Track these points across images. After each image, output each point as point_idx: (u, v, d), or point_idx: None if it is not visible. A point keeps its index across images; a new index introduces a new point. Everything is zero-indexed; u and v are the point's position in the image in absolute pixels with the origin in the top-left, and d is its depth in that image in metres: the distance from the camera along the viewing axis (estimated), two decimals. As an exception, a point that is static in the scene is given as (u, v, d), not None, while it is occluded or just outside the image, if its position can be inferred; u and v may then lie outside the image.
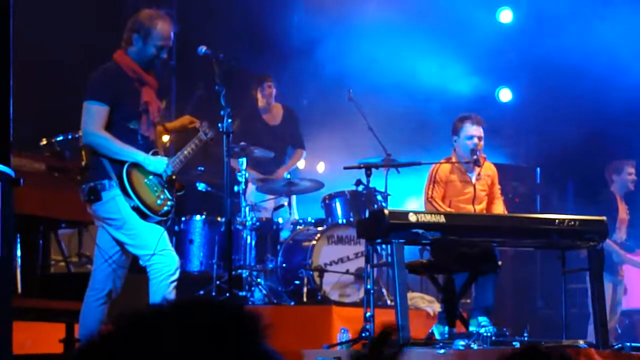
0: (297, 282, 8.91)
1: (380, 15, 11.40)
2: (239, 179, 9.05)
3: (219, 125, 6.53)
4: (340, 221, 9.19)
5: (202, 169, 9.33)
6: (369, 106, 9.78)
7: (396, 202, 9.88)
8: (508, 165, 10.82)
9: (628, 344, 7.00)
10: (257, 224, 9.15)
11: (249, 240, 9.10)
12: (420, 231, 6.68)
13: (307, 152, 10.36)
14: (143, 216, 6.02)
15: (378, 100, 10.73)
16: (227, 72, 6.77)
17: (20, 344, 6.27)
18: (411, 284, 9.10)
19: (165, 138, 6.61)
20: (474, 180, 7.91)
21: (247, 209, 9.10)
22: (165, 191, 6.16)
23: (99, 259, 6.15)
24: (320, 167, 11.70)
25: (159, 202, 6.10)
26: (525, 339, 7.11)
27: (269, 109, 10.10)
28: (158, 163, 6.15)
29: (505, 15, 12.29)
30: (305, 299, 8.79)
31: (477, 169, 7.91)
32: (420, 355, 6.56)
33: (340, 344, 7.49)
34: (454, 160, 7.94)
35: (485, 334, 6.97)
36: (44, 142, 8.14)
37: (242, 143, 9.16)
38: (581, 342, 6.96)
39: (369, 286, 7.18)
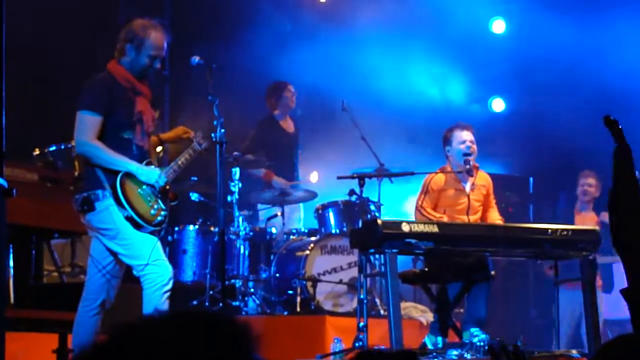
0: (290, 292, 8.90)
1: (374, 25, 11.42)
2: (232, 188, 9.05)
3: (212, 135, 6.54)
4: (333, 231, 9.19)
5: (196, 179, 9.33)
6: (362, 116, 9.80)
7: (389, 212, 9.88)
8: (501, 175, 10.83)
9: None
10: (251, 234, 9.15)
11: (242, 250, 9.10)
12: (413, 241, 6.69)
13: (301, 162, 10.42)
14: (137, 226, 6.01)
15: (371, 110, 10.74)
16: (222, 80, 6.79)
17: (13, 355, 6.25)
18: (404, 293, 9.10)
19: (159, 148, 6.60)
20: (468, 190, 7.91)
21: (240, 218, 9.10)
22: (159, 201, 6.16)
23: (92, 269, 6.15)
24: (314, 177, 11.70)
25: (152, 212, 6.10)
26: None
27: (285, 117, 10.22)
28: (150, 173, 6.15)
29: (498, 26, 12.32)
30: (298, 309, 8.79)
31: (471, 179, 7.92)
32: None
33: (334, 353, 7.49)
34: (448, 170, 7.94)
35: (478, 344, 6.98)
36: (37, 152, 8.13)
37: (236, 153, 9.16)
38: (574, 351, 6.97)
39: (362, 296, 7.18)
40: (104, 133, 6.04)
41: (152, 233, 6.08)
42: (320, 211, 9.41)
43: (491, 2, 12.33)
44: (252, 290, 9.03)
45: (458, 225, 7.36)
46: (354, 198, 8.90)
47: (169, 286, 5.99)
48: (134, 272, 6.05)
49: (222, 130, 6.55)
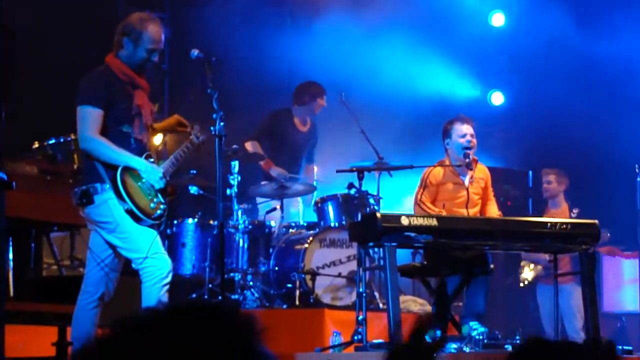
0: (289, 285, 8.91)
1: (373, 18, 11.41)
2: (232, 182, 9.05)
3: (212, 128, 6.53)
4: (332, 224, 9.19)
5: (195, 172, 9.33)
6: (361, 109, 9.79)
7: (388, 206, 9.88)
8: (500, 169, 10.83)
9: (620, 347, 7.02)
10: (250, 227, 9.15)
11: (241, 244, 9.10)
12: (412, 234, 6.69)
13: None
14: (136, 219, 6.01)
15: (370, 103, 10.73)
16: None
17: (12, 347, 6.26)
18: (403, 287, 9.10)
19: (158, 140, 6.60)
20: (467, 183, 7.91)
21: (239, 212, 9.10)
22: (159, 195, 6.16)
23: (91, 262, 6.15)
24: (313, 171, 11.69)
25: (152, 205, 6.10)
26: (518, 341, 7.12)
27: (304, 116, 10.18)
28: (152, 173, 6.13)
29: (497, 19, 12.31)
30: (297, 302, 8.79)
31: (470, 172, 7.91)
32: (413, 358, 6.55)
33: (333, 347, 7.49)
34: (446, 163, 7.94)
35: (477, 337, 6.99)
36: (36, 145, 8.14)
37: (234, 146, 9.16)
38: (573, 344, 6.96)
39: (361, 289, 7.19)
40: (103, 127, 6.03)
41: (151, 227, 6.08)
42: (319, 204, 9.41)
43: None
44: (251, 283, 9.03)
45: (457, 219, 7.36)
46: (353, 191, 8.88)
47: (168, 279, 6.00)
48: (133, 266, 6.05)
49: (222, 124, 6.55)
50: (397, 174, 9.10)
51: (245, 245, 9.12)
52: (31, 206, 7.47)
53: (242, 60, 10.54)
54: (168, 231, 9.08)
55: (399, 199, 10.59)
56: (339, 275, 8.86)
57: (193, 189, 9.38)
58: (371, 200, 8.98)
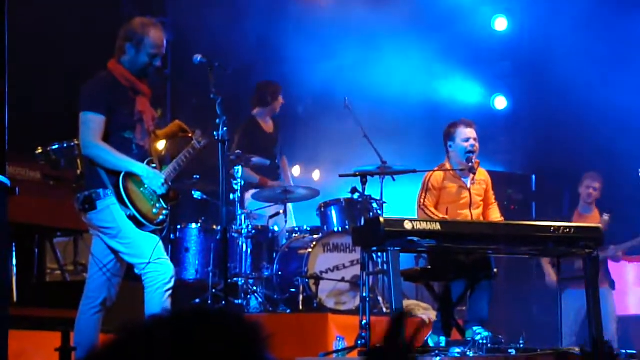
0: (293, 290, 8.91)
1: (376, 23, 11.42)
2: (235, 187, 9.05)
3: (215, 133, 6.53)
4: (336, 229, 9.19)
5: (198, 177, 9.33)
6: (364, 114, 9.79)
7: (392, 210, 9.88)
8: (503, 173, 10.83)
9: (624, 351, 7.00)
10: (253, 232, 9.15)
11: (244, 248, 9.10)
12: (415, 239, 6.68)
13: (303, 160, 10.41)
14: (139, 225, 6.01)
15: (374, 108, 10.74)
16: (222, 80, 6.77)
17: (15, 353, 6.26)
18: (407, 291, 9.10)
19: (161, 146, 6.60)
20: (469, 184, 7.91)
21: (242, 216, 9.10)
22: (161, 200, 6.16)
23: (93, 267, 6.15)
24: (316, 175, 11.71)
25: (154, 210, 6.10)
26: (521, 346, 7.11)
27: (267, 117, 10.13)
28: (155, 179, 6.12)
29: (500, 23, 12.32)
30: (301, 307, 8.79)
31: (472, 174, 7.91)
32: (416, 362, 6.56)
33: (336, 351, 7.49)
34: (448, 167, 7.94)
35: (480, 342, 6.98)
36: (40, 150, 8.14)
37: (238, 151, 9.16)
38: (576, 349, 6.96)
39: (364, 294, 7.18)
40: (105, 133, 6.03)
41: (154, 232, 6.08)
42: (322, 209, 9.41)
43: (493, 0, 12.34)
44: (254, 288, 9.03)
45: (460, 223, 7.35)
46: (356, 196, 8.89)
47: (171, 285, 5.99)
48: (136, 271, 6.05)
49: (225, 129, 6.55)
50: (401, 178, 9.09)
51: (249, 250, 9.12)
52: (34, 211, 7.48)
53: (243, 65, 10.56)
54: (171, 236, 9.09)
55: (403, 203, 10.58)
56: (343, 279, 8.85)
57: (196, 194, 9.38)
58: (374, 205, 8.98)
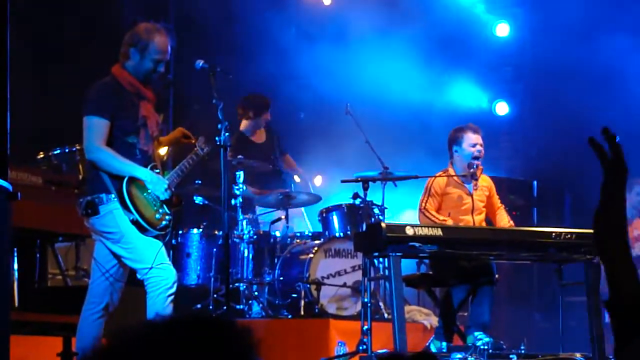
0: (294, 295, 8.91)
1: (377, 28, 11.43)
2: (237, 192, 9.06)
3: (217, 138, 6.54)
4: (337, 234, 9.19)
5: (200, 182, 9.34)
6: (366, 119, 9.79)
7: (393, 216, 9.88)
8: (505, 178, 10.83)
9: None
10: (255, 237, 9.15)
11: (246, 254, 9.10)
12: (417, 244, 6.69)
13: (305, 165, 10.39)
14: (142, 230, 6.01)
15: (376, 113, 10.74)
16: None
17: (17, 358, 6.26)
18: (408, 297, 9.10)
19: (163, 151, 6.61)
20: (471, 190, 7.91)
21: (244, 222, 9.10)
22: (164, 205, 6.16)
23: (96, 272, 6.15)
24: (318, 181, 11.71)
25: (157, 216, 6.10)
26: (523, 351, 7.12)
27: (255, 131, 10.06)
28: (158, 184, 6.12)
29: (502, 29, 12.33)
30: (302, 312, 8.79)
31: (474, 180, 7.92)
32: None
33: (338, 357, 7.49)
34: (451, 172, 7.94)
35: (482, 347, 6.98)
36: (41, 155, 8.15)
37: (240, 157, 9.17)
38: (578, 355, 6.96)
39: (366, 299, 7.19)
40: (108, 137, 6.04)
41: (156, 237, 6.08)
42: (324, 214, 9.41)
43: (495, 5, 12.35)
44: (256, 293, 9.03)
45: (462, 229, 7.36)
46: (358, 201, 8.89)
47: (173, 290, 6.00)
48: (138, 276, 6.05)
49: (227, 134, 6.56)
50: (402, 184, 9.09)
51: (250, 256, 9.13)
52: (36, 216, 7.47)
53: (245, 71, 10.56)
54: (173, 241, 9.09)
55: (404, 209, 10.59)
56: (344, 285, 8.85)
57: (198, 199, 9.39)
58: (376, 210, 8.98)
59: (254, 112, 9.93)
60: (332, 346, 7.90)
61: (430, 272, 7.98)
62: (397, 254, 6.66)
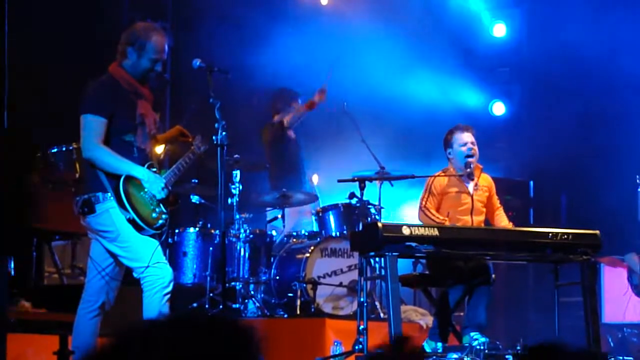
0: (290, 294, 8.91)
1: (375, 29, 11.43)
2: (233, 191, 9.06)
3: (214, 137, 6.54)
4: (333, 234, 9.20)
5: (196, 181, 9.34)
6: (363, 119, 9.80)
7: (390, 215, 9.89)
8: (501, 179, 10.82)
9: (620, 357, 7.01)
10: (251, 236, 9.16)
11: (242, 253, 9.11)
12: (413, 244, 6.69)
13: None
14: (138, 229, 6.01)
15: (372, 113, 10.75)
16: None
17: (14, 356, 6.26)
18: (404, 297, 9.11)
19: (160, 150, 6.60)
20: (471, 191, 7.92)
21: (240, 221, 9.11)
22: (160, 204, 6.16)
23: (92, 271, 6.15)
24: (314, 180, 11.71)
25: (154, 215, 6.10)
26: (518, 351, 7.12)
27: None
28: (155, 183, 6.11)
29: (499, 30, 12.34)
30: (298, 312, 8.80)
31: (474, 180, 7.92)
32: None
33: (334, 356, 7.49)
34: (451, 171, 7.95)
35: (478, 348, 6.98)
36: (38, 154, 8.14)
37: (236, 156, 9.17)
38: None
39: (362, 299, 7.19)
40: (105, 136, 6.03)
41: (153, 236, 6.08)
42: (320, 214, 9.42)
43: (492, 6, 12.36)
44: (252, 292, 9.04)
45: (458, 229, 7.36)
46: (354, 201, 8.90)
47: (169, 288, 5.99)
48: (134, 275, 6.05)
49: (224, 133, 6.56)
50: (399, 183, 9.11)
51: (247, 255, 9.13)
52: (33, 215, 7.47)
53: (243, 70, 10.56)
54: (169, 240, 9.09)
55: (401, 208, 10.60)
56: (340, 284, 8.86)
57: (194, 198, 9.40)
58: (372, 210, 8.99)
59: (281, 104, 10.19)
60: (328, 346, 7.91)
61: (427, 272, 7.99)
62: (394, 253, 6.66)
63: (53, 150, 8.14)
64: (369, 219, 8.86)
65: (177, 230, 9.23)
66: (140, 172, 6.07)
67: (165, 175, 6.26)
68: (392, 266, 6.64)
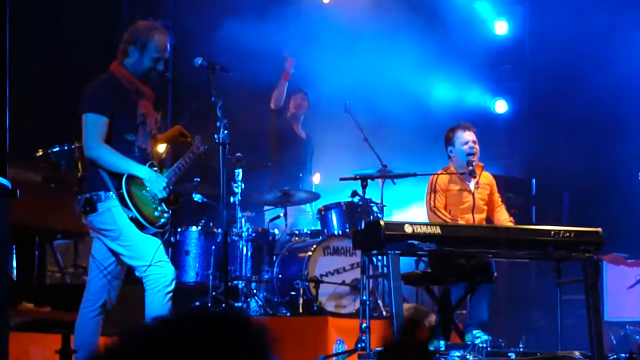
0: (293, 293, 8.91)
1: (376, 27, 11.43)
2: (235, 189, 9.06)
3: (216, 136, 6.53)
4: (336, 232, 9.20)
5: (198, 179, 9.34)
6: (365, 118, 9.80)
7: (392, 213, 9.88)
8: (503, 176, 10.83)
9: (623, 355, 7.00)
10: (253, 234, 9.16)
11: (245, 251, 9.11)
12: (416, 242, 6.68)
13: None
14: (141, 227, 6.01)
15: (374, 111, 10.74)
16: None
17: (16, 355, 6.26)
18: (407, 295, 9.10)
19: (161, 149, 6.60)
20: (472, 189, 7.92)
21: (243, 219, 9.11)
22: (162, 203, 6.16)
23: (94, 269, 6.14)
24: (316, 178, 11.71)
25: (156, 213, 6.09)
26: (521, 349, 7.11)
27: (298, 121, 10.30)
28: (157, 182, 6.11)
29: (501, 27, 12.34)
30: (301, 310, 8.80)
31: (475, 178, 7.92)
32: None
33: (336, 354, 7.49)
34: (452, 170, 7.95)
35: (480, 345, 6.98)
36: (40, 153, 8.15)
37: (238, 154, 9.17)
38: (577, 353, 6.96)
39: (364, 297, 7.18)
40: (107, 135, 6.03)
41: (155, 235, 6.08)
42: (322, 212, 9.42)
43: (494, 3, 12.35)
44: (254, 291, 9.04)
45: (461, 227, 7.36)
46: (356, 199, 8.90)
47: (172, 287, 5.99)
48: (137, 273, 6.05)
49: (226, 132, 6.55)
50: (401, 181, 9.10)
51: (249, 253, 9.13)
52: (35, 214, 7.48)
53: (244, 68, 10.56)
54: (172, 239, 9.09)
55: (403, 206, 10.59)
56: (343, 283, 8.86)
57: (197, 197, 9.39)
58: (375, 208, 8.99)
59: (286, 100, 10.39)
60: (330, 344, 7.90)
61: (429, 270, 7.99)
62: (396, 251, 6.65)
63: (55, 149, 8.14)
64: (371, 217, 8.86)
65: (179, 229, 9.23)
66: (142, 171, 6.06)
67: (167, 174, 6.26)
68: (395, 264, 6.63)
